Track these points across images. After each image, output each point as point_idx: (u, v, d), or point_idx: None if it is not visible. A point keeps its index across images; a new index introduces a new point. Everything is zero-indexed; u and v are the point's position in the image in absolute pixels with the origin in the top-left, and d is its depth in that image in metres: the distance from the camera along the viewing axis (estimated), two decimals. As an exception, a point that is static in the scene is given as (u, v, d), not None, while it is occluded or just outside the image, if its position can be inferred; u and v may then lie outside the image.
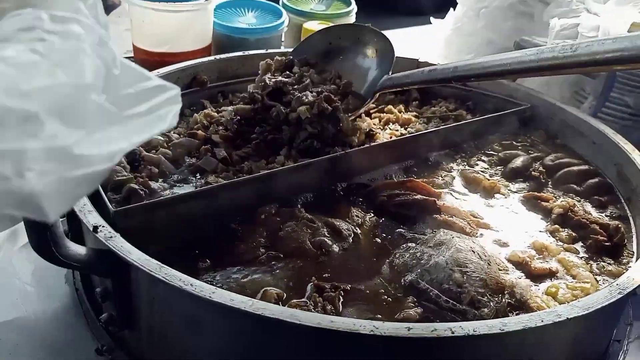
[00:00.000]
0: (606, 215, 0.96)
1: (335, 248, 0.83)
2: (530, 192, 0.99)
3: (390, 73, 1.08)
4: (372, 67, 1.13)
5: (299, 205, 0.90)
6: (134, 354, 0.75)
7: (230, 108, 1.10)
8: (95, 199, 0.77)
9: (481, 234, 0.89)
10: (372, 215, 0.91)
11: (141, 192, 0.85)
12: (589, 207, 0.98)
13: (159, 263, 0.62)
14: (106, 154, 0.29)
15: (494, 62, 0.87)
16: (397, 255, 0.82)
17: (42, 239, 0.60)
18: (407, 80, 1.04)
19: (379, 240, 0.86)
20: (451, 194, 0.99)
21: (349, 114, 1.06)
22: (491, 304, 0.72)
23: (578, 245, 0.88)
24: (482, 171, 1.06)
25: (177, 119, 0.37)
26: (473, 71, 0.91)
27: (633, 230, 0.92)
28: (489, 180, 1.02)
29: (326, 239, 0.83)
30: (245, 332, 0.62)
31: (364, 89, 1.11)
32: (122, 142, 0.30)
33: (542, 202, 0.96)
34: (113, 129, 0.30)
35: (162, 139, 1.02)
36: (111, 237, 0.66)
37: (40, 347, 0.77)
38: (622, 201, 0.99)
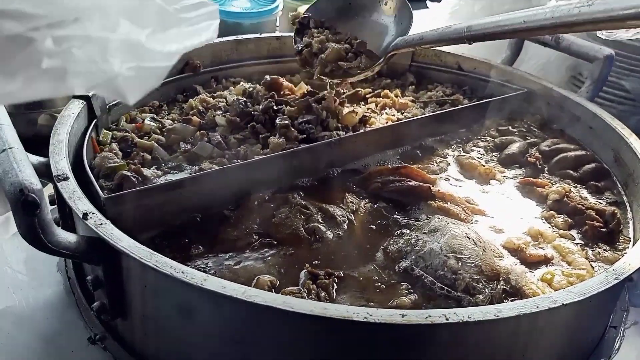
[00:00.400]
0: (602, 201, 0.95)
1: (329, 234, 0.82)
2: (526, 178, 0.99)
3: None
4: (390, 27, 1.10)
5: (293, 191, 0.89)
6: (127, 342, 0.74)
7: (227, 93, 1.10)
8: (86, 187, 0.76)
9: (476, 220, 0.88)
10: (367, 201, 0.90)
11: (133, 179, 0.84)
12: (585, 192, 0.97)
13: (150, 250, 0.62)
14: (167, 52, 0.34)
15: (508, 20, 0.82)
16: (391, 242, 0.81)
17: (30, 226, 0.59)
18: (420, 41, 1.00)
19: (373, 226, 0.85)
20: (446, 180, 0.98)
21: (359, 72, 1.05)
22: (486, 290, 0.72)
23: (574, 232, 0.87)
24: (477, 157, 1.05)
25: (217, 32, 0.42)
26: (487, 29, 0.87)
27: (629, 215, 0.92)
28: (484, 166, 1.01)
29: (320, 225, 0.82)
30: (238, 320, 0.62)
31: (379, 48, 1.07)
32: (178, 44, 0.36)
33: (538, 188, 0.95)
34: (171, 32, 0.35)
35: (155, 125, 1.01)
36: (101, 224, 0.65)
37: (33, 336, 0.77)
38: (619, 186, 0.98)
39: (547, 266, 0.80)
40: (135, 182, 0.83)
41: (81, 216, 0.66)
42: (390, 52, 1.04)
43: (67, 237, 0.64)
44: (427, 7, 1.68)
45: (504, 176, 1.00)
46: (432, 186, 0.92)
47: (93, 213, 0.67)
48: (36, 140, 0.83)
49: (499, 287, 0.73)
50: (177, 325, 0.66)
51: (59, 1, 0.29)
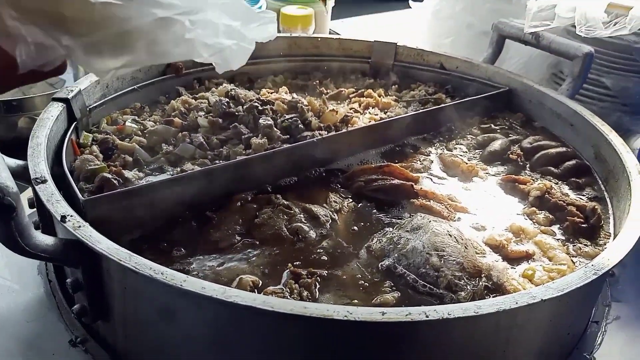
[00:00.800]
0: (583, 197, 0.96)
1: (312, 234, 0.82)
2: (508, 175, 0.99)
3: None
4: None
5: (276, 192, 0.89)
6: (108, 344, 0.73)
7: (210, 94, 1.10)
8: (67, 190, 0.76)
9: (459, 218, 0.88)
10: (350, 200, 0.90)
11: (114, 181, 0.83)
12: (566, 189, 0.98)
13: (129, 252, 0.61)
14: (250, 38, 0.49)
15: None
16: (374, 240, 0.82)
17: (7, 229, 0.59)
18: None
19: (356, 226, 0.85)
20: (429, 178, 0.99)
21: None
22: (468, 287, 0.72)
23: (555, 227, 0.88)
24: (460, 155, 1.06)
25: (276, 31, 0.55)
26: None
27: (610, 211, 0.93)
28: (467, 163, 1.02)
29: (303, 225, 0.82)
30: (219, 320, 0.61)
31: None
32: (255, 35, 0.50)
33: (520, 185, 0.96)
34: (252, 25, 0.50)
35: (136, 126, 1.01)
36: (79, 226, 0.65)
37: (13, 339, 0.76)
38: (599, 182, 0.99)
39: (528, 262, 0.81)
40: (116, 184, 0.83)
41: (59, 219, 0.66)
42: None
43: (45, 240, 0.64)
44: (410, 7, 1.69)
45: (487, 173, 1.01)
46: (415, 184, 0.93)
47: (71, 215, 0.66)
48: (17, 144, 0.83)
49: (480, 283, 0.74)
50: (158, 326, 0.66)
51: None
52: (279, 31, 1.45)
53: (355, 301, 0.71)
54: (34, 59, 0.37)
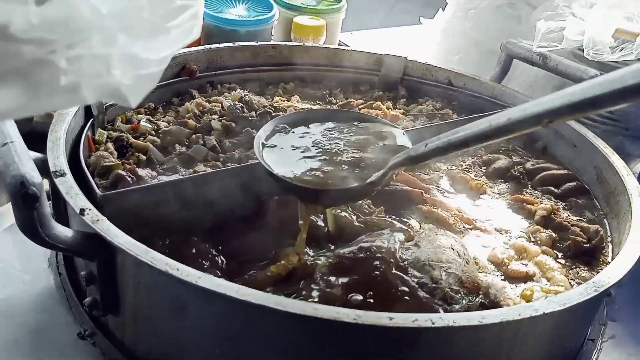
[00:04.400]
0: (582, 218, 0.98)
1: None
2: (517, 195, 1.01)
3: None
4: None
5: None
6: (117, 338, 0.75)
7: (223, 98, 1.12)
8: (81, 184, 0.77)
9: (464, 228, 0.90)
10: (380, 210, 0.91)
11: (128, 179, 0.85)
12: (565, 210, 1.00)
13: (146, 247, 0.63)
14: (158, 58, 0.39)
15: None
16: (385, 247, 0.83)
17: (30, 219, 0.60)
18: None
19: (370, 230, 0.86)
20: (438, 190, 1.00)
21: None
22: (463, 301, 0.74)
23: (557, 248, 0.90)
24: (466, 171, 1.08)
25: (200, 31, 0.46)
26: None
27: (609, 233, 0.95)
28: (475, 180, 1.04)
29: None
30: (231, 317, 0.63)
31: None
32: (167, 50, 0.40)
33: (528, 205, 0.98)
34: (160, 39, 0.40)
35: (150, 126, 1.02)
36: (98, 220, 0.66)
37: (22, 330, 0.77)
38: (599, 204, 1.01)
39: (526, 282, 0.82)
40: (130, 182, 0.84)
41: (78, 212, 0.67)
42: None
43: (64, 232, 0.65)
44: (420, 23, 1.72)
45: (493, 191, 1.03)
46: (425, 193, 0.95)
47: (90, 209, 0.68)
48: (32, 136, 0.84)
49: (477, 299, 0.75)
50: (169, 322, 0.67)
51: (69, 25, 0.34)
52: (290, 39, 1.48)
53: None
54: None
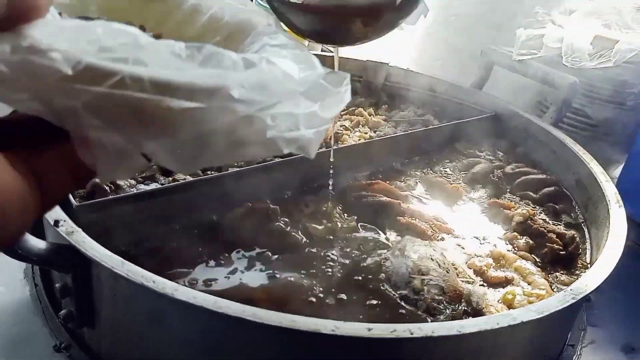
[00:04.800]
0: (559, 223, 0.99)
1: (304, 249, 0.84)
2: (494, 200, 1.02)
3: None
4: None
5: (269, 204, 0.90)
6: (93, 351, 0.74)
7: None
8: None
9: (442, 238, 0.90)
10: (348, 218, 0.91)
11: (106, 188, 0.84)
12: (543, 215, 1.01)
13: (122, 259, 0.62)
14: (329, 117, 0.47)
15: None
16: (365, 259, 0.83)
17: (1, 232, 0.59)
18: None
19: (348, 245, 0.87)
20: (416, 197, 1.01)
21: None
22: (447, 311, 0.74)
23: (534, 254, 0.90)
24: (445, 176, 1.08)
25: (350, 96, 0.50)
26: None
27: (587, 239, 0.95)
28: (451, 184, 1.04)
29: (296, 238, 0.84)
30: (209, 330, 0.62)
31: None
32: (335, 109, 0.47)
33: (505, 210, 0.99)
34: (330, 101, 0.47)
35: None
36: (72, 232, 0.65)
37: (-4, 342, 0.76)
38: (577, 210, 1.02)
39: (504, 287, 0.83)
40: (107, 191, 0.83)
41: (52, 223, 0.66)
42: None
43: (37, 244, 0.64)
44: (402, 29, 1.72)
45: (470, 196, 1.03)
46: (402, 202, 0.95)
47: (65, 220, 0.67)
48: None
49: (460, 308, 0.75)
50: (146, 334, 0.66)
51: (269, 90, 0.41)
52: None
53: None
54: (114, 169, 0.37)
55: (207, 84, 0.37)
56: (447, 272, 0.79)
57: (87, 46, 0.34)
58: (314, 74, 0.47)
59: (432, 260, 0.79)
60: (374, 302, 0.75)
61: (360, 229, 0.90)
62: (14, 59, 0.33)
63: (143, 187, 0.88)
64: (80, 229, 0.66)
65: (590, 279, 0.73)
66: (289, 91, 0.43)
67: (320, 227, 0.88)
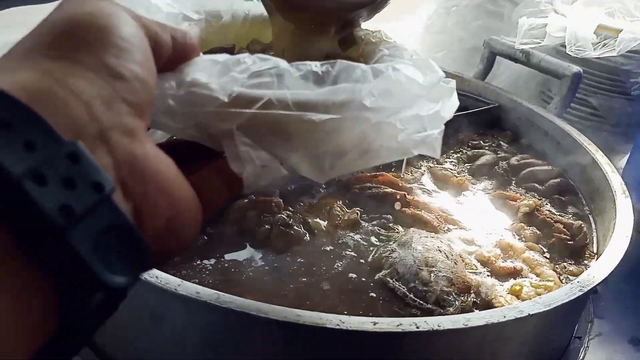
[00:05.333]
0: (565, 214, 0.98)
1: (308, 244, 0.83)
2: (499, 191, 1.01)
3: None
4: None
5: (273, 197, 0.89)
6: (98, 346, 0.73)
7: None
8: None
9: (448, 229, 0.90)
10: (350, 211, 0.90)
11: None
12: (549, 206, 1.00)
13: (124, 255, 0.61)
14: (447, 116, 0.50)
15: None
16: (370, 253, 0.82)
17: None
18: None
19: (352, 238, 0.86)
20: (421, 189, 1.00)
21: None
22: (456, 303, 0.73)
23: (542, 244, 0.90)
24: (450, 169, 1.08)
25: (457, 101, 0.53)
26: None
27: (594, 229, 0.95)
28: (457, 177, 1.03)
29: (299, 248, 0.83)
30: (212, 325, 0.62)
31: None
32: (449, 111, 0.51)
33: (510, 201, 0.98)
34: (446, 101, 0.51)
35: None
36: (74, 228, 0.65)
37: None
38: (584, 201, 1.01)
39: (516, 278, 0.82)
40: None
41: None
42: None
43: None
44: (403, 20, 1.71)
45: (476, 188, 1.03)
46: (408, 194, 0.94)
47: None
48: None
49: (469, 299, 0.75)
50: (149, 330, 0.66)
51: (396, 96, 0.44)
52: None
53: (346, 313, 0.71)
54: (258, 180, 0.41)
55: (341, 98, 0.41)
56: (455, 264, 0.78)
57: (238, 76, 0.39)
58: (435, 77, 0.50)
59: (440, 251, 0.78)
60: (381, 294, 0.75)
61: (364, 222, 0.89)
62: (179, 93, 0.38)
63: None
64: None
65: (597, 271, 0.72)
66: (415, 95, 0.47)
67: (322, 221, 0.87)
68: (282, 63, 0.41)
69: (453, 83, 0.52)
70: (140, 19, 0.35)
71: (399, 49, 0.67)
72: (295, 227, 0.84)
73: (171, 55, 0.38)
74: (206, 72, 0.39)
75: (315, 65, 0.41)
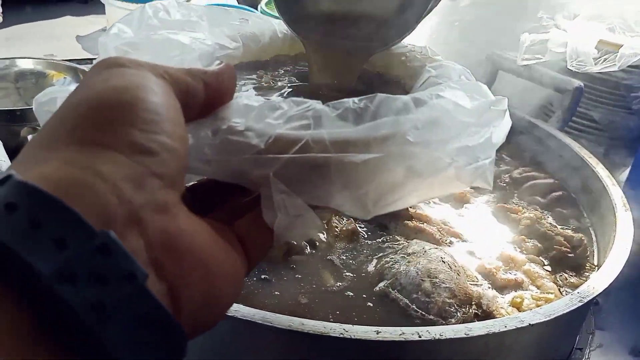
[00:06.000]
0: (567, 227, 0.99)
1: (309, 256, 0.84)
2: (501, 204, 1.02)
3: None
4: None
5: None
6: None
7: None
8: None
9: (451, 242, 0.91)
10: (349, 222, 0.91)
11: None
12: (550, 219, 1.01)
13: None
14: (498, 142, 0.48)
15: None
16: (370, 264, 0.83)
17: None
18: None
19: (353, 250, 0.87)
20: (423, 202, 1.01)
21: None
22: (458, 314, 0.74)
23: (542, 257, 0.91)
24: (452, 181, 1.09)
25: (510, 121, 0.52)
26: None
27: (594, 242, 0.96)
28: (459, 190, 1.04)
29: (299, 257, 0.84)
30: (217, 333, 0.63)
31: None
32: (500, 136, 0.49)
33: (512, 214, 0.99)
34: (497, 126, 0.48)
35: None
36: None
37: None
38: (584, 214, 1.02)
39: (516, 290, 0.83)
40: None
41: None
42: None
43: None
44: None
45: (478, 200, 1.04)
46: (410, 207, 0.95)
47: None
48: (18, 152, 0.84)
49: (470, 311, 0.75)
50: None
51: (443, 126, 0.42)
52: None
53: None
54: (289, 231, 0.39)
55: (382, 133, 0.39)
56: (458, 275, 0.79)
57: (274, 122, 0.38)
58: (485, 102, 0.47)
59: (444, 262, 0.79)
60: (383, 305, 0.76)
61: (364, 233, 0.90)
62: (215, 141, 0.37)
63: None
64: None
65: (598, 282, 0.73)
66: (463, 124, 0.44)
67: (320, 233, 0.88)
68: (318, 105, 0.39)
69: (504, 103, 0.49)
70: (170, 75, 0.34)
71: (447, 68, 0.63)
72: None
73: (204, 101, 0.36)
74: (242, 118, 0.38)
75: (354, 102, 0.39)
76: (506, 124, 0.50)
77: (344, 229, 0.89)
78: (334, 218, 0.91)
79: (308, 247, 0.85)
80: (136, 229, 0.28)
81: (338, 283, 0.80)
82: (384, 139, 0.39)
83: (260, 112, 0.38)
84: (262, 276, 0.78)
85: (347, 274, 0.82)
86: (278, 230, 0.39)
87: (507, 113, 0.50)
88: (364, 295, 0.77)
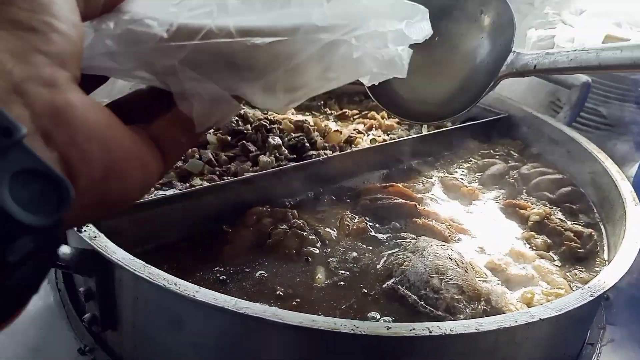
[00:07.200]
0: (577, 223, 0.99)
1: (321, 255, 0.85)
2: (509, 200, 1.02)
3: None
4: (483, 44, 0.89)
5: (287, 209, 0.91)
6: (117, 353, 0.75)
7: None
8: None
9: (459, 239, 0.91)
10: (359, 220, 0.92)
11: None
12: (560, 214, 1.01)
13: (143, 262, 0.63)
14: (415, 37, 0.47)
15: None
16: (379, 261, 0.84)
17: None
18: (549, 66, 0.77)
19: (362, 247, 0.87)
20: (431, 199, 1.01)
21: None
22: (467, 310, 0.74)
23: (552, 252, 0.90)
24: (460, 178, 1.09)
25: (431, 29, 0.49)
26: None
27: (604, 237, 0.95)
28: (467, 187, 1.04)
29: (313, 249, 0.85)
30: (229, 331, 0.63)
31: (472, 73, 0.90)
32: (417, 33, 0.47)
33: (520, 210, 0.99)
34: (415, 20, 0.47)
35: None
36: (95, 236, 0.67)
37: (22, 347, 0.77)
38: (594, 209, 1.02)
39: (526, 286, 0.83)
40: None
41: (75, 228, 0.68)
42: (503, 77, 0.84)
43: (61, 249, 0.66)
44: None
45: (486, 197, 1.04)
46: (418, 204, 0.95)
47: (87, 226, 0.68)
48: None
49: (479, 307, 0.75)
50: (167, 336, 0.68)
51: (353, 13, 0.42)
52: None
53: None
54: (209, 116, 0.40)
55: (290, 23, 0.39)
56: (466, 272, 0.79)
57: (176, 10, 0.38)
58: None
59: (451, 259, 0.79)
60: (393, 302, 0.76)
61: (374, 231, 0.90)
62: (117, 32, 0.37)
63: (162, 193, 0.90)
64: (102, 234, 0.68)
65: (608, 277, 0.73)
66: (373, 12, 0.44)
67: (332, 230, 0.89)
68: None
69: (425, 10, 0.49)
70: None
71: None
72: (310, 236, 0.85)
73: None
74: (144, 8, 0.38)
75: None
76: (425, 25, 0.49)
77: (354, 227, 0.89)
78: (345, 217, 0.92)
79: (319, 244, 0.85)
80: (20, 100, 0.29)
81: (347, 279, 0.80)
82: (293, 29, 0.39)
83: (163, 2, 0.38)
84: (274, 272, 0.79)
85: (356, 270, 0.82)
86: (198, 118, 0.39)
87: (427, 17, 0.49)
88: (373, 292, 0.78)
